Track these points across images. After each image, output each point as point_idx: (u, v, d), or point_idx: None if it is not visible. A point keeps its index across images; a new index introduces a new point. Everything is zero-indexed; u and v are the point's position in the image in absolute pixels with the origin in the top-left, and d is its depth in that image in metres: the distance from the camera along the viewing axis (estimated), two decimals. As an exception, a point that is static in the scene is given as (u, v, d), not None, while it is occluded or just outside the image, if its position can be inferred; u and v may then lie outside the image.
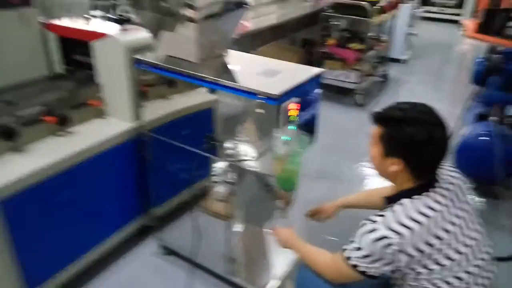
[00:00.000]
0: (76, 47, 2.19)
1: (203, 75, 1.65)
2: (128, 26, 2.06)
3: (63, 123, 1.88)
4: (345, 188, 3.02)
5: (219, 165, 1.97)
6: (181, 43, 1.77)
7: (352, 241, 1.32)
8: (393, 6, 4.65)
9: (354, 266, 1.31)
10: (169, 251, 2.26)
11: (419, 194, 1.29)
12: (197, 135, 1.87)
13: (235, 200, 1.80)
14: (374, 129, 1.38)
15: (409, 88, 5.14)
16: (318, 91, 1.79)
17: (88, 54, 2.13)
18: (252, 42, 3.64)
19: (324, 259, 1.51)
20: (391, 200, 1.35)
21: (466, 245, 1.30)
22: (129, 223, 2.19)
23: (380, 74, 5.13)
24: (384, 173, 1.40)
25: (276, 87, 1.51)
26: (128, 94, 2.00)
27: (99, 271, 2.14)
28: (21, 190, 1.64)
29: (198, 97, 2.24)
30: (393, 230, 1.23)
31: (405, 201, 1.28)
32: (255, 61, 1.94)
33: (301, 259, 1.66)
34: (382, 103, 4.60)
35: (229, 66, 1.84)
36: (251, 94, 1.54)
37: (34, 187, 1.69)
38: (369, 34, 4.26)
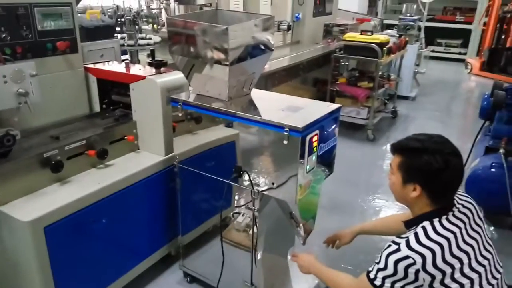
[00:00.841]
0: (113, 89, 2.41)
1: (235, 111, 1.84)
2: (162, 69, 2.28)
3: (102, 156, 2.06)
4: (358, 219, 3.13)
5: (242, 195, 2.13)
6: (212, 83, 1.97)
7: (376, 263, 1.43)
8: (400, 47, 4.91)
9: (379, 286, 1.41)
10: (193, 279, 2.36)
11: (438, 217, 1.42)
12: (221, 166, 2.04)
13: (257, 228, 1.92)
14: (393, 159, 1.53)
15: (418, 124, 5.30)
16: (336, 125, 1.95)
17: (123, 94, 2.36)
18: (267, 82, 3.88)
19: (347, 281, 1.62)
20: (412, 223, 1.48)
21: (481, 264, 1.41)
22: (157, 251, 2.32)
23: (390, 111, 5.32)
24: (403, 200, 1.53)
25: (300, 121, 1.68)
26: (162, 130, 2.19)
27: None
28: (62, 218, 1.79)
29: (221, 132, 2.43)
30: (415, 251, 1.34)
31: (425, 223, 1.41)
32: (277, 98, 2.13)
33: (324, 282, 1.76)
34: (392, 138, 4.76)
35: (255, 103, 2.02)
36: (278, 127, 1.70)
37: (74, 215, 1.83)
38: (378, 73, 4.49)
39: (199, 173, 2.09)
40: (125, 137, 2.23)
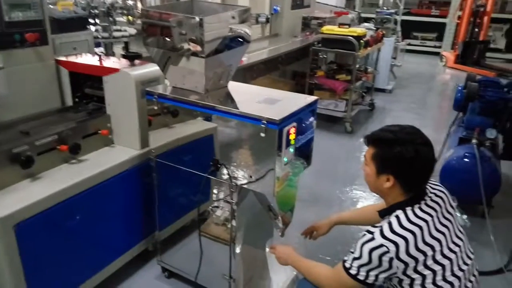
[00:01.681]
0: (86, 82, 2.35)
1: (214, 104, 1.81)
2: (137, 61, 2.23)
3: (74, 151, 2.01)
4: (336, 210, 3.16)
5: (221, 188, 2.11)
6: (188, 76, 1.94)
7: (351, 252, 1.45)
8: (377, 40, 4.96)
9: (354, 275, 1.43)
10: (171, 274, 2.34)
11: (411, 206, 1.44)
12: (199, 160, 2.01)
13: (236, 221, 1.91)
14: (367, 150, 1.55)
15: (394, 116, 5.38)
16: (313, 117, 1.95)
17: (96, 87, 2.29)
18: (246, 74, 3.85)
19: (324, 271, 1.63)
20: (386, 212, 1.50)
21: (452, 251, 1.44)
22: (133, 247, 2.28)
23: (367, 103, 5.38)
24: (377, 190, 1.55)
25: (277, 113, 1.67)
26: (137, 123, 2.14)
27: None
28: (33, 215, 1.73)
29: (199, 125, 2.40)
30: (389, 240, 1.36)
31: (399, 212, 1.43)
32: (254, 90, 2.12)
33: (301, 273, 1.77)
34: (369, 130, 4.69)
35: (233, 96, 2.00)
36: (255, 119, 1.69)
37: (45, 212, 1.78)
38: (356, 66, 4.52)
39: (176, 167, 2.07)
40: (99, 131, 2.17)
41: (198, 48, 1.79)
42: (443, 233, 1.44)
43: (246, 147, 1.92)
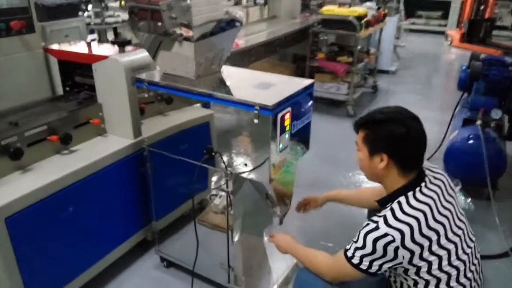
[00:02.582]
0: (76, 70, 2.28)
1: (202, 90, 1.75)
2: (127, 48, 2.16)
3: (65, 141, 1.95)
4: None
5: (218, 176, 2.06)
6: (179, 61, 1.86)
7: (354, 241, 1.40)
8: (379, 20, 4.82)
9: (357, 265, 1.38)
10: (170, 264, 2.31)
11: (412, 190, 1.40)
12: (195, 148, 1.95)
13: (233, 209, 1.87)
14: (358, 136, 1.51)
15: (398, 98, 5.27)
16: (310, 101, 1.88)
17: (87, 75, 2.23)
18: (244, 58, 3.76)
19: (324, 260, 1.59)
20: (387, 200, 1.45)
21: (456, 235, 1.41)
22: (130, 237, 2.25)
23: (370, 85, 5.28)
24: (374, 175, 1.50)
25: (270, 98, 1.61)
26: (128, 112, 2.08)
27: (101, 285, 2.18)
28: (25, 207, 1.70)
29: (194, 113, 2.33)
30: (393, 228, 1.32)
31: (400, 198, 1.39)
32: (249, 75, 2.04)
33: (301, 262, 1.73)
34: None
35: (225, 81, 1.93)
36: (248, 105, 1.62)
37: (38, 204, 1.74)
38: (357, 47, 4.41)
39: (171, 156, 2.01)
40: (90, 121, 2.11)
41: (186, 32, 1.72)
42: (446, 217, 1.40)
43: (243, 134, 1.86)
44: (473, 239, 1.49)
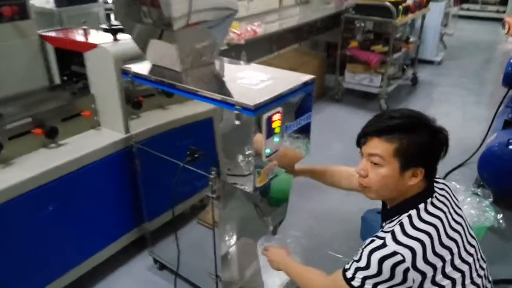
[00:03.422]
0: (74, 58, 2.18)
1: (181, 85, 1.57)
2: (121, 36, 2.02)
3: (51, 135, 1.86)
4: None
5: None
6: (165, 53, 1.70)
7: (356, 260, 1.19)
8: (421, 5, 4.39)
9: (357, 287, 1.17)
10: (163, 266, 2.19)
11: (423, 201, 1.20)
12: (197, 146, 1.79)
13: (218, 217, 1.70)
14: (377, 147, 1.22)
15: (441, 91, 4.83)
16: (310, 99, 1.66)
17: (83, 64, 2.12)
18: (272, 44, 3.55)
19: (320, 280, 1.40)
20: (394, 212, 1.24)
21: (469, 254, 1.22)
22: (122, 237, 2.15)
23: (409, 77, 4.87)
24: (393, 191, 1.24)
25: (256, 97, 1.40)
26: (119, 105, 1.96)
27: (90, 285, 2.11)
28: (5, 202, 1.62)
29: (198, 107, 2.16)
30: (403, 245, 1.11)
31: (411, 212, 1.19)
32: (244, 69, 1.83)
33: (294, 281, 1.55)
34: (411, 108, 4.34)
35: (215, 75, 1.75)
36: (228, 104, 1.44)
37: (19, 199, 1.67)
38: (395, 35, 4.03)
39: (158, 155, 1.86)
40: (82, 113, 2.01)
41: (167, 20, 1.54)
42: (458, 232, 1.20)
43: (234, 135, 1.67)
44: (485, 259, 1.30)
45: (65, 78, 2.22)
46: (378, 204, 1.41)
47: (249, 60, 3.19)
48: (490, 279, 1.31)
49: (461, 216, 1.27)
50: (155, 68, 1.78)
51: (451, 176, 2.83)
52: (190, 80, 1.64)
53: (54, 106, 1.93)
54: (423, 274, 1.11)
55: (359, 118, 4.15)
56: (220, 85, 1.62)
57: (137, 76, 1.75)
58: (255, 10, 4.02)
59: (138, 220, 2.16)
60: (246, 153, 1.48)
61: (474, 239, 1.28)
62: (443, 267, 1.14)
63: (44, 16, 3.14)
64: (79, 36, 2.12)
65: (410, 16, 4.17)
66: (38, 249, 1.80)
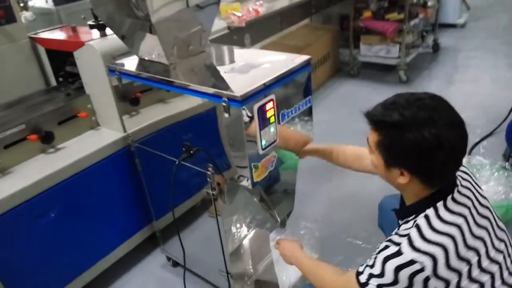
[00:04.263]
0: (67, 58, 2.12)
1: (166, 78, 1.48)
2: (108, 31, 1.93)
3: (47, 140, 1.82)
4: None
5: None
6: (150, 45, 1.60)
7: (370, 265, 1.07)
8: (438, -35, 4.08)
9: None
10: (176, 263, 2.15)
11: (442, 199, 1.05)
12: (198, 140, 1.70)
13: (220, 214, 1.62)
14: (370, 133, 1.13)
15: (466, 56, 4.52)
16: (307, 81, 1.53)
17: (75, 64, 2.05)
18: (282, 21, 3.38)
19: (332, 278, 1.29)
20: (409, 212, 1.11)
21: (499, 251, 1.07)
22: (131, 237, 2.11)
23: (429, 44, 4.58)
24: (392, 184, 1.15)
25: (245, 86, 1.29)
26: (113, 103, 1.88)
27: (106, 285, 2.09)
28: (6, 211, 1.60)
29: (200, 98, 2.07)
30: (422, 252, 0.98)
31: (428, 212, 1.04)
32: (237, 54, 1.70)
33: (305, 276, 1.46)
34: (433, 77, 4.10)
35: (205, 64, 1.63)
36: (215, 96, 1.34)
37: (21, 207, 1.64)
38: (411, 0, 3.77)
39: (157, 153, 1.79)
40: (78, 115, 1.95)
41: (143, 8, 1.43)
42: (485, 228, 1.06)
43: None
44: None
45: (60, 79, 2.16)
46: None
47: (254, 43, 3.05)
48: None
49: (487, 208, 1.11)
50: (143, 63, 1.69)
51: (477, 150, 2.63)
52: (177, 72, 1.54)
53: (48, 110, 1.88)
54: (447, 282, 0.98)
55: (378, 93, 3.98)
56: (208, 75, 1.52)
57: (123, 72, 1.66)
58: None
59: (146, 219, 2.12)
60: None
61: (504, 231, 1.13)
62: (469, 271, 1.00)
63: (44, 16, 3.11)
64: (67, 35, 2.05)
65: (426, -22, 3.89)
66: (51, 253, 1.79)
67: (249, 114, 1.30)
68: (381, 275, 1.02)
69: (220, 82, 1.40)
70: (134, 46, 1.71)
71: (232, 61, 1.62)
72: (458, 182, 1.10)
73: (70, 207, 1.82)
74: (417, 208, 1.07)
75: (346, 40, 4.33)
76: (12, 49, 2.01)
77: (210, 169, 1.53)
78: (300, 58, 1.48)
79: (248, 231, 1.89)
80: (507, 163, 1.95)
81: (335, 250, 2.12)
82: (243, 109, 1.27)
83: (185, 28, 1.56)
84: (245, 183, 1.43)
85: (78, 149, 1.87)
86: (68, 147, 1.90)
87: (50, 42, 2.05)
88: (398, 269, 0.99)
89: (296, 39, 3.94)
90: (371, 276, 1.05)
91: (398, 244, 1.01)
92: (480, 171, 2.03)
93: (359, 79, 4.24)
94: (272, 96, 1.36)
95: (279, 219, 1.65)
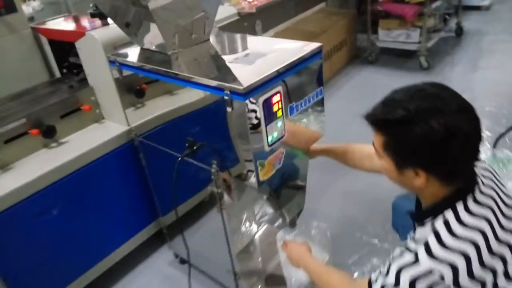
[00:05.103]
0: (70, 49, 2.04)
1: (162, 69, 1.38)
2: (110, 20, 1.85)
3: (48, 134, 1.76)
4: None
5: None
6: (151, 33, 1.51)
7: (384, 274, 0.97)
8: None
9: None
10: (184, 260, 2.09)
11: (462, 199, 0.95)
12: (210, 132, 1.61)
13: (225, 213, 1.53)
14: (374, 136, 1.03)
15: (492, 40, 4.28)
16: (318, 71, 1.41)
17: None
18: (297, 6, 3.26)
19: (341, 285, 1.21)
20: (426, 214, 1.00)
21: None
22: (138, 233, 2.05)
23: (452, 28, 4.35)
24: (409, 188, 1.04)
25: (249, 77, 1.19)
26: (116, 95, 1.81)
27: (114, 282, 2.05)
28: (7, 208, 1.55)
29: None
30: (441, 261, 0.88)
31: (447, 215, 0.93)
32: (245, 43, 1.59)
33: (313, 280, 1.37)
34: (456, 63, 3.90)
35: (209, 53, 1.53)
36: (217, 89, 1.24)
37: (22, 203, 1.59)
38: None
39: (166, 145, 1.71)
40: (81, 108, 1.89)
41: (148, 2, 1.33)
42: (510, 231, 0.95)
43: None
44: None
45: (64, 71, 2.09)
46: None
47: (266, 30, 2.93)
48: None
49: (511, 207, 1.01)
50: (144, 53, 1.60)
51: (502, 142, 2.47)
52: (178, 63, 1.45)
53: (50, 103, 1.82)
54: None
55: (397, 81, 3.78)
56: (210, 66, 1.42)
57: (123, 64, 1.57)
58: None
59: (152, 215, 2.05)
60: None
61: None
62: (495, 280, 0.90)
63: (51, 5, 3.05)
64: (69, 25, 1.97)
65: (449, -43, 3.66)
66: (54, 251, 1.74)
67: (258, 116, 1.20)
68: (396, 285, 0.92)
69: (223, 74, 1.30)
70: (135, 36, 1.62)
71: (237, 50, 1.52)
72: (479, 180, 0.99)
73: (73, 203, 1.77)
74: (435, 210, 0.97)
75: (364, 25, 4.14)
76: (14, 40, 1.94)
77: (214, 166, 1.44)
78: (311, 46, 1.37)
79: (258, 228, 1.81)
80: (537, 157, 1.80)
81: (350, 249, 2.02)
82: (253, 111, 1.17)
83: (186, 15, 1.45)
84: (253, 179, 1.34)
85: (81, 143, 1.81)
86: (71, 141, 1.84)
87: (52, 32, 1.98)
88: (415, 280, 0.89)
89: (311, 25, 3.78)
90: (384, 286, 0.95)
91: (414, 251, 0.91)
92: (507, 166, 1.89)
93: (378, 65, 4.07)
94: (279, 88, 1.25)
95: (288, 219, 1.56)
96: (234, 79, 1.21)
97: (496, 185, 1.03)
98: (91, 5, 2.08)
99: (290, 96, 1.31)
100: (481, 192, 0.97)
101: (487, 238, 0.90)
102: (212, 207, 1.75)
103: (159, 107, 1.84)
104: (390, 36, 3.94)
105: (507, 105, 2.89)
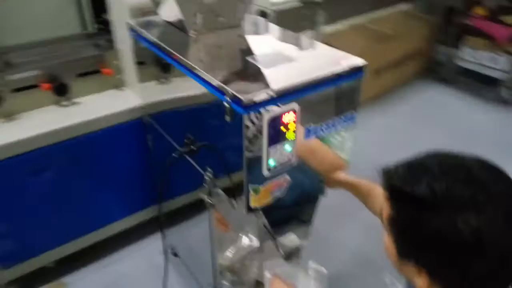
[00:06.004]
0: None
1: (176, 53, 1.18)
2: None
3: (60, 91, 1.65)
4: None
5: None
6: (174, 8, 1.31)
7: None
8: None
9: None
10: (175, 252, 1.95)
11: None
12: (221, 128, 1.42)
13: (212, 228, 1.34)
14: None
15: None
16: (355, 94, 1.15)
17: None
18: (365, 3, 2.93)
19: None
20: None
21: None
22: (136, 212, 1.95)
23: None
24: (408, 280, 0.80)
25: (255, 86, 0.97)
26: (133, 65, 1.65)
27: (101, 255, 1.98)
28: (5, 159, 1.49)
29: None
30: None
31: None
32: (278, 40, 1.35)
33: None
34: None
35: (230, 44, 1.31)
36: (218, 91, 1.02)
37: (19, 158, 1.52)
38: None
39: (174, 132, 1.54)
40: (101, 70, 1.76)
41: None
42: None
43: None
44: None
45: (98, 26, 1.97)
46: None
47: (329, 22, 2.63)
48: None
49: None
50: (166, 28, 1.40)
51: None
52: (194, 49, 1.24)
53: (69, 59, 1.70)
54: None
55: (470, 109, 3.36)
56: (225, 60, 1.20)
57: (138, 34, 1.40)
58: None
59: (153, 199, 1.92)
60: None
61: None
62: None
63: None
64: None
65: None
66: (46, 211, 1.69)
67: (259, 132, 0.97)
68: None
69: (232, 73, 1.08)
70: (158, 6, 1.43)
71: (263, 46, 1.27)
72: None
73: (70, 168, 1.67)
74: None
75: (446, 37, 3.67)
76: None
77: (208, 173, 1.24)
78: (351, 61, 1.10)
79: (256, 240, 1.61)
80: None
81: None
82: (251, 121, 0.95)
83: (216, -6, 1.24)
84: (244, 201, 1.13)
85: (93, 108, 1.70)
86: (82, 104, 1.73)
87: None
88: None
89: (385, 25, 3.39)
90: None
91: None
92: None
93: (452, 86, 3.61)
94: (295, 106, 1.01)
95: (282, 253, 1.34)
96: (240, 84, 0.99)
97: None
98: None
99: (309, 116, 1.07)
100: None
101: None
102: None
103: (183, 87, 1.66)
104: (473, 56, 3.46)
105: None
